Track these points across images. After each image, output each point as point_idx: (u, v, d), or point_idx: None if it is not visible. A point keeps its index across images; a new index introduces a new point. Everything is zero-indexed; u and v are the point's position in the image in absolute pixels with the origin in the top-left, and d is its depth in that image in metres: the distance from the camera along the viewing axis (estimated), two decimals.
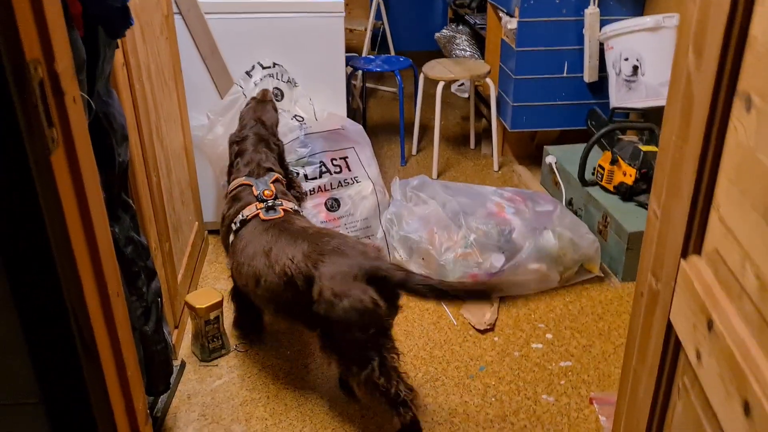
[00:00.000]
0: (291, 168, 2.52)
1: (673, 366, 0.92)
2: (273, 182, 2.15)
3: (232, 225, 2.06)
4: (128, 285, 1.70)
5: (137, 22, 1.96)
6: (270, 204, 2.04)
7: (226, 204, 2.17)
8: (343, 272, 1.75)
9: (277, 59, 2.67)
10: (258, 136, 2.26)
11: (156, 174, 2.12)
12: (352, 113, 3.60)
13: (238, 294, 2.23)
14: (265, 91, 2.41)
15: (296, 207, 2.12)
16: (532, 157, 3.68)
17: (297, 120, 2.57)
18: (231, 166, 2.26)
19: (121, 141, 1.62)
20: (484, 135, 4.03)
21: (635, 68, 2.90)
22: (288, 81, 2.67)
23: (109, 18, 1.32)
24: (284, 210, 2.03)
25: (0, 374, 0.97)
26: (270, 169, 2.20)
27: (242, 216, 2.03)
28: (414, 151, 3.87)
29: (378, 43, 4.80)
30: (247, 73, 2.63)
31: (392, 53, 4.82)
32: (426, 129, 4.15)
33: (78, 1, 1.32)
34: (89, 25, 1.40)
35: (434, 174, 3.57)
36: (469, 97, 4.04)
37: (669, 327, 0.92)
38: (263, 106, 2.36)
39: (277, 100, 2.63)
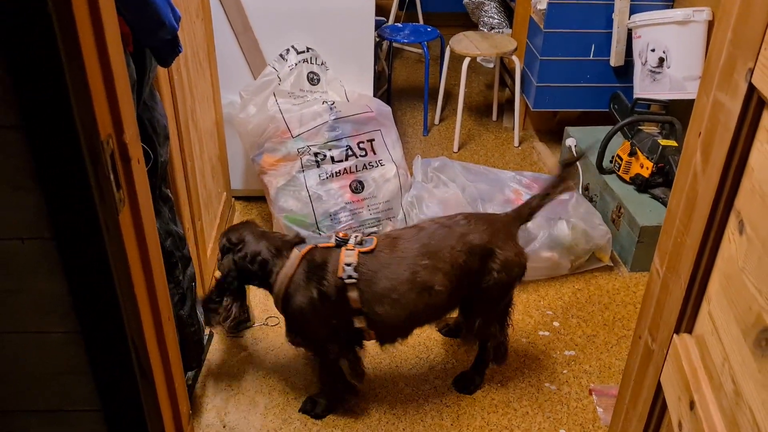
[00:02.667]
0: (318, 150, 2.62)
1: (659, 420, 1.04)
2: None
3: (347, 281, 1.82)
4: (166, 274, 1.83)
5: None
6: (358, 239, 1.90)
7: (303, 288, 1.87)
8: (509, 234, 1.94)
9: (308, 40, 2.72)
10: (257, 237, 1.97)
11: (191, 159, 2.22)
12: (377, 76, 3.65)
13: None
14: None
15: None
16: (553, 134, 3.73)
17: (328, 104, 2.64)
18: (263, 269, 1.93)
19: (164, 142, 1.72)
20: (507, 106, 4.07)
21: (661, 60, 2.92)
22: (321, 64, 2.74)
23: (159, 48, 1.41)
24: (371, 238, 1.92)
25: (69, 391, 1.11)
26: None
27: (348, 265, 1.82)
28: (437, 121, 3.93)
29: (406, 2, 4.77)
30: (281, 56, 2.69)
31: (420, 17, 4.81)
32: (450, 96, 4.19)
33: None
34: (137, 39, 1.48)
35: (455, 146, 3.64)
36: (494, 67, 4.06)
37: (659, 387, 1.03)
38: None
39: (313, 84, 2.70)
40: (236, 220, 3.01)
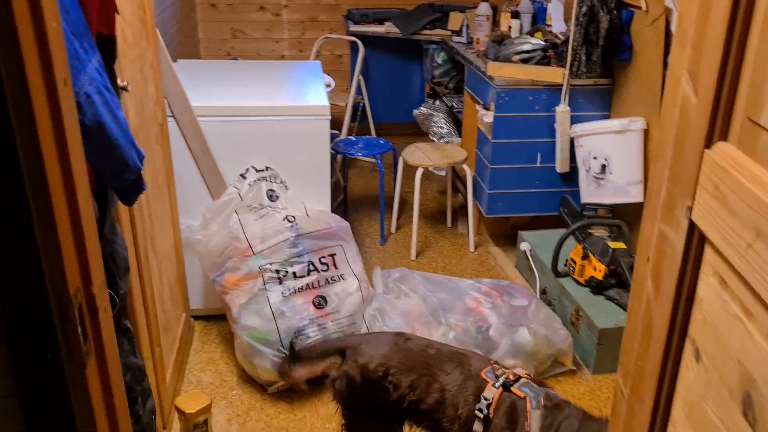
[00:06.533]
0: (279, 267, 2.63)
1: None
2: None
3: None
4: None
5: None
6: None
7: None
8: None
9: (268, 161, 2.79)
10: None
11: (150, 285, 2.20)
12: (332, 188, 3.73)
13: None
14: None
15: None
16: (507, 236, 3.83)
17: (289, 221, 2.68)
18: None
19: (124, 274, 1.71)
20: (461, 212, 4.18)
21: (603, 167, 3.08)
22: (281, 182, 2.80)
23: (124, 189, 1.43)
24: None
25: None
26: None
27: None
28: (393, 229, 4.00)
29: (358, 115, 4.96)
30: (242, 175, 2.75)
31: (372, 128, 4.98)
32: (404, 204, 4.28)
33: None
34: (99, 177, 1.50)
35: (413, 254, 3.70)
36: (446, 175, 4.20)
37: None
38: None
39: (273, 201, 2.75)
40: (195, 342, 2.96)
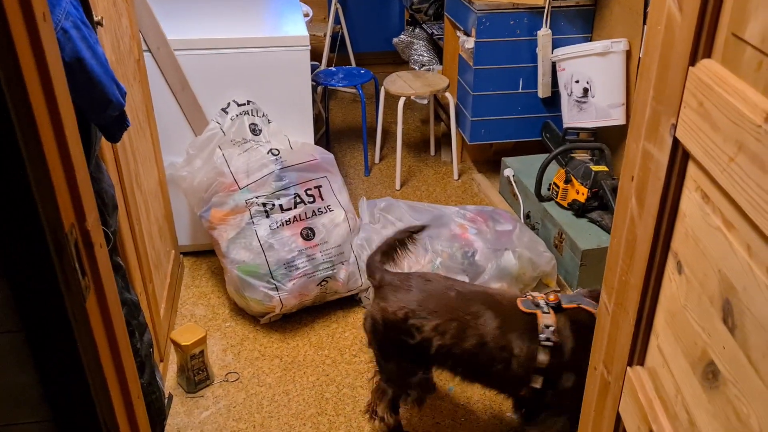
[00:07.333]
0: (266, 200, 2.64)
1: None
2: None
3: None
4: None
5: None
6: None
7: None
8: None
9: (248, 95, 2.76)
10: None
11: (138, 222, 2.21)
12: (314, 120, 3.70)
13: None
14: None
15: None
16: (491, 163, 3.85)
17: (273, 154, 2.68)
18: None
19: (113, 211, 1.72)
20: (444, 140, 4.18)
21: (585, 90, 3.08)
22: (263, 116, 2.78)
23: (108, 126, 1.42)
24: None
25: None
26: None
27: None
28: (377, 160, 4.00)
29: (337, 45, 4.87)
30: (223, 110, 2.73)
31: (351, 58, 4.91)
32: (387, 134, 4.27)
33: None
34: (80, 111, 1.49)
35: (398, 184, 3.72)
36: (428, 104, 4.18)
37: (618, 417, 1.10)
38: None
39: (256, 134, 2.74)
40: (186, 277, 2.99)
